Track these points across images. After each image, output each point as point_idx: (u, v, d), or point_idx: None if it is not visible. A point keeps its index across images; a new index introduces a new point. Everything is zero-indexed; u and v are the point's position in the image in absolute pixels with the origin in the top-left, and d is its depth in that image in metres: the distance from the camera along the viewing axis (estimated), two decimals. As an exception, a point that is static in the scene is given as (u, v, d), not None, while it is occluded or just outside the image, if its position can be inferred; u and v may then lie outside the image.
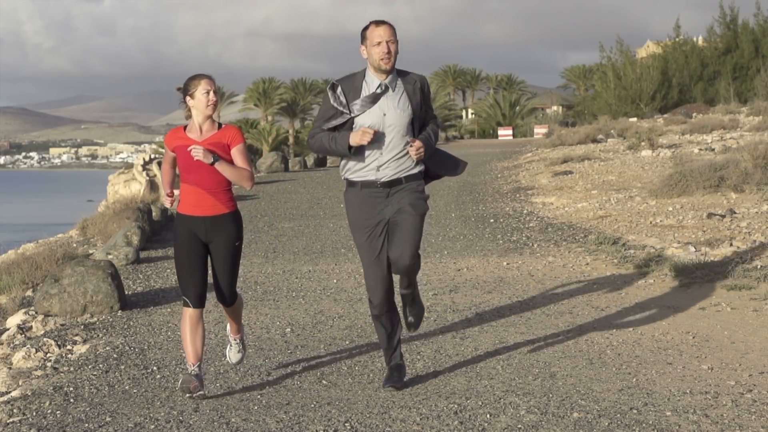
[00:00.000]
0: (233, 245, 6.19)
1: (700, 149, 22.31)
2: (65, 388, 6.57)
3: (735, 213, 13.06)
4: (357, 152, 6.00)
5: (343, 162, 6.17)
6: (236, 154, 6.11)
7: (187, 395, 6.07)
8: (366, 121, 5.96)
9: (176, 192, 6.40)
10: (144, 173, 43.14)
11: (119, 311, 9.14)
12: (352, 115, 5.97)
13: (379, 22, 6.02)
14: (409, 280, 6.19)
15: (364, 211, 6.08)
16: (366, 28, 6.04)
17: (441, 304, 8.95)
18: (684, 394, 5.90)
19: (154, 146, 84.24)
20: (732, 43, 50.10)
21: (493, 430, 5.32)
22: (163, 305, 9.46)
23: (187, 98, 6.14)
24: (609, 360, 6.77)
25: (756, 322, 7.76)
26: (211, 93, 6.11)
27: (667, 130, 30.29)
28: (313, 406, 5.88)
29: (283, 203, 19.32)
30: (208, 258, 6.21)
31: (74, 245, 14.24)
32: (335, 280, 10.47)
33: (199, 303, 6.13)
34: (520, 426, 5.36)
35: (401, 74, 6.09)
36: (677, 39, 52.46)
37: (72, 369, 7.14)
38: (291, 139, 70.45)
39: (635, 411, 5.57)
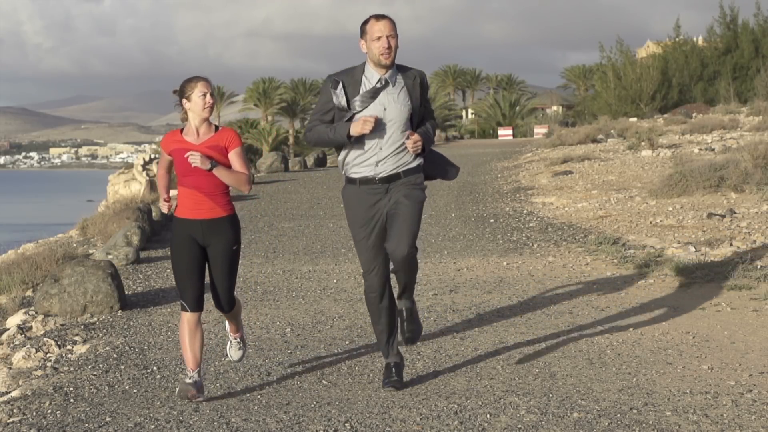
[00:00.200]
0: (231, 249, 6.14)
1: (700, 149, 22.31)
2: (65, 388, 6.57)
3: (735, 213, 13.06)
4: (357, 140, 5.96)
5: (342, 158, 6.13)
6: (234, 157, 6.07)
7: (186, 400, 6.06)
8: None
9: (173, 192, 6.37)
10: (144, 173, 43.14)
11: (119, 311, 9.14)
12: (353, 112, 5.95)
13: (379, 17, 5.94)
14: (407, 280, 6.10)
15: (363, 207, 6.05)
16: (366, 22, 5.97)
17: (441, 304, 8.95)
18: (684, 394, 5.90)
19: (154, 146, 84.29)
20: (732, 43, 50.11)
21: (493, 430, 5.32)
22: (163, 305, 9.46)
23: (184, 101, 6.08)
24: (609, 360, 6.77)
25: (756, 322, 7.76)
26: (208, 96, 6.05)
27: (667, 130, 30.29)
28: (313, 406, 5.88)
29: (283, 203, 19.32)
30: (206, 262, 6.18)
31: (74, 245, 14.25)
32: (335, 280, 10.47)
33: (197, 306, 6.11)
34: (520, 426, 5.36)
35: (401, 69, 6.05)
36: (677, 39, 52.47)
37: (72, 369, 7.14)
38: (291, 139, 70.47)
39: (635, 411, 5.57)
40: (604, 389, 6.05)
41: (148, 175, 42.22)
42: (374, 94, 5.94)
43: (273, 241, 13.86)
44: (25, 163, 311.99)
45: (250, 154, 54.97)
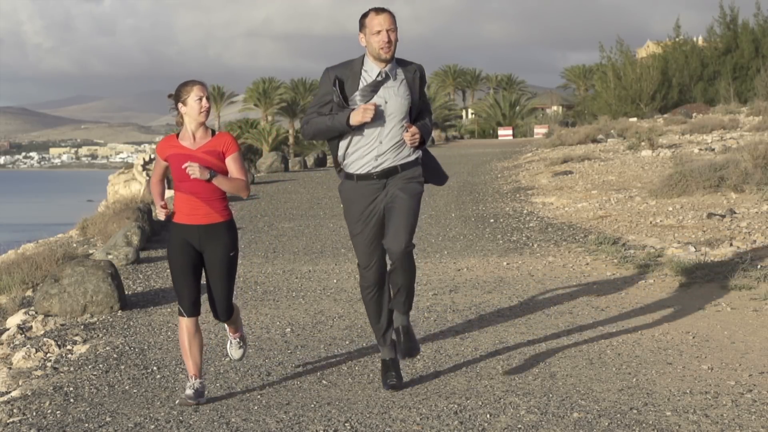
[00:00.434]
0: (227, 255, 6.07)
1: (700, 149, 22.31)
2: (65, 388, 6.57)
3: (735, 213, 13.06)
4: (357, 129, 5.91)
5: (341, 153, 6.06)
6: (231, 162, 6.00)
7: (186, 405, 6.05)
8: None
9: (169, 193, 6.32)
10: (144, 173, 43.16)
11: (119, 311, 9.14)
12: (353, 108, 5.91)
13: (379, 10, 5.90)
14: (403, 282, 5.96)
15: (361, 202, 6.02)
16: (365, 16, 5.92)
17: (441, 304, 8.95)
18: (684, 394, 5.90)
19: (153, 146, 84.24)
20: (732, 43, 50.13)
21: (493, 430, 5.32)
22: (163, 305, 9.46)
23: (179, 105, 6.00)
24: (609, 360, 6.77)
25: (756, 322, 7.76)
26: (204, 99, 5.98)
27: (667, 130, 30.29)
28: (313, 406, 5.88)
29: (283, 203, 19.32)
30: (202, 266, 6.14)
31: (74, 245, 14.24)
32: (335, 280, 10.47)
33: (194, 311, 6.07)
34: (520, 426, 5.36)
35: (400, 63, 6.01)
36: (677, 39, 52.49)
37: (72, 369, 7.14)
38: (291, 139, 70.49)
39: (635, 411, 5.57)
40: (604, 389, 6.05)
41: (148, 175, 42.25)
42: (375, 87, 5.91)
43: (273, 241, 13.86)
44: (25, 163, 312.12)
45: (250, 154, 54.99)
